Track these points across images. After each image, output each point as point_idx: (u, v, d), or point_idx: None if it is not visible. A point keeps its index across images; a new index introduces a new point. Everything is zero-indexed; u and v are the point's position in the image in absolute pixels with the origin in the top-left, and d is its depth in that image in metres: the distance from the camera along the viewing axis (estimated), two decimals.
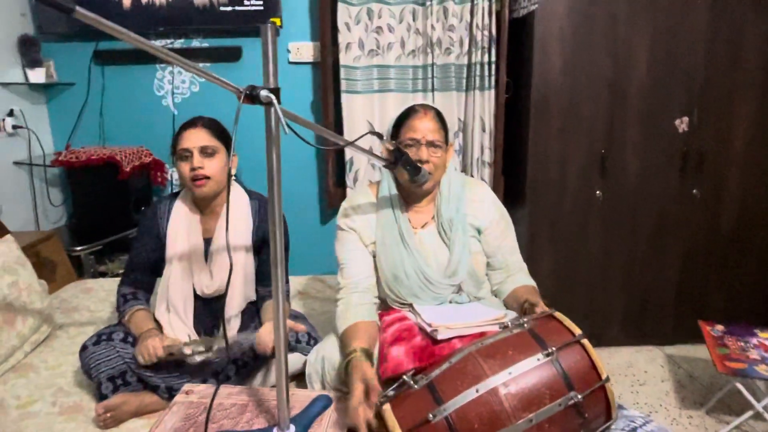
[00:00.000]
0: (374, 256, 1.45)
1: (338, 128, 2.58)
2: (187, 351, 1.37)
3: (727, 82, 2.33)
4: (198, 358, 1.37)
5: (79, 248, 2.37)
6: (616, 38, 2.29)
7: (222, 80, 0.92)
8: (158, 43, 2.61)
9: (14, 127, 2.45)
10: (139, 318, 1.46)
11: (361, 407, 1.06)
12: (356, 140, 1.11)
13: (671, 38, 2.28)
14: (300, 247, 2.65)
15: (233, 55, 2.61)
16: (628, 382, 2.32)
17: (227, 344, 1.17)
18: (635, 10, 2.26)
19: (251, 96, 0.93)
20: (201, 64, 2.64)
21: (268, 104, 0.92)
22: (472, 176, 2.60)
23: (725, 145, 2.39)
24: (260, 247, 1.55)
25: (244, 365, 1.44)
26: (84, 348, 1.43)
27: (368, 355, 1.22)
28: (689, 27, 2.27)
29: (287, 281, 1.62)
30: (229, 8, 2.49)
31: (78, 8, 0.75)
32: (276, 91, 0.93)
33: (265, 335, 1.33)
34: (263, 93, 0.92)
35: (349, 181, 2.62)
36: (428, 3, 2.44)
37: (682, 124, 2.37)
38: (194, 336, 1.51)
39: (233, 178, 1.62)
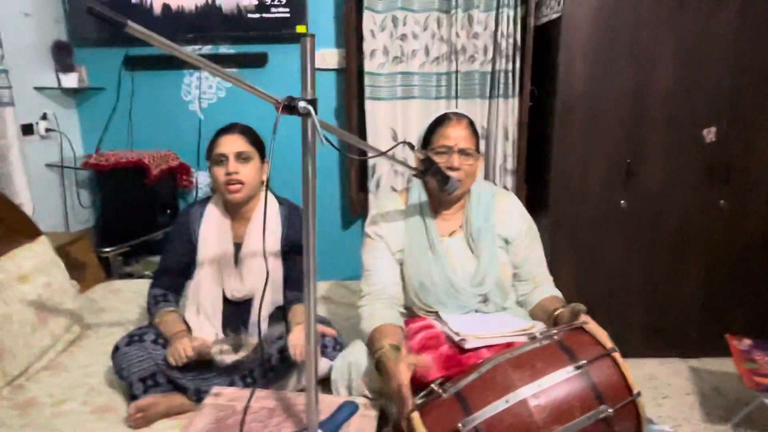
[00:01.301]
0: (401, 264, 1.46)
1: (362, 134, 2.60)
2: (216, 350, 1.39)
3: (757, 92, 2.29)
4: (227, 359, 1.39)
5: (107, 249, 2.42)
6: (641, 46, 2.27)
7: (261, 91, 0.95)
8: (186, 49, 2.64)
9: (47, 130, 2.52)
10: (170, 320, 1.50)
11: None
12: (389, 150, 1.12)
13: (697, 46, 2.26)
14: (322, 253, 2.66)
15: (259, 61, 2.65)
16: (651, 395, 2.29)
17: (261, 346, 1.19)
18: (660, 18, 2.24)
19: (289, 107, 0.95)
20: (228, 71, 2.70)
21: (306, 115, 0.94)
22: (494, 183, 2.60)
23: (754, 157, 2.35)
24: (288, 252, 1.57)
25: (272, 369, 1.46)
26: (116, 349, 1.46)
27: (398, 350, 1.23)
28: (716, 35, 2.24)
29: None
30: (257, 15, 2.53)
31: (129, 23, 0.78)
32: (313, 102, 0.95)
33: (296, 339, 1.35)
34: (301, 104, 0.94)
35: (371, 186, 2.63)
36: (453, 11, 2.45)
37: (710, 134, 2.34)
38: (222, 337, 1.54)
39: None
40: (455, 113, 1.42)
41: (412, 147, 1.22)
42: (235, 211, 1.58)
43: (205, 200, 1.63)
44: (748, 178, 2.37)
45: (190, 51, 2.68)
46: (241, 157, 1.50)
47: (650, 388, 2.33)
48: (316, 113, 0.95)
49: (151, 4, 2.51)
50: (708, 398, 2.26)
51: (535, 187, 2.60)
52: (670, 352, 2.58)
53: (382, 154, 1.10)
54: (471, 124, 1.41)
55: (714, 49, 2.26)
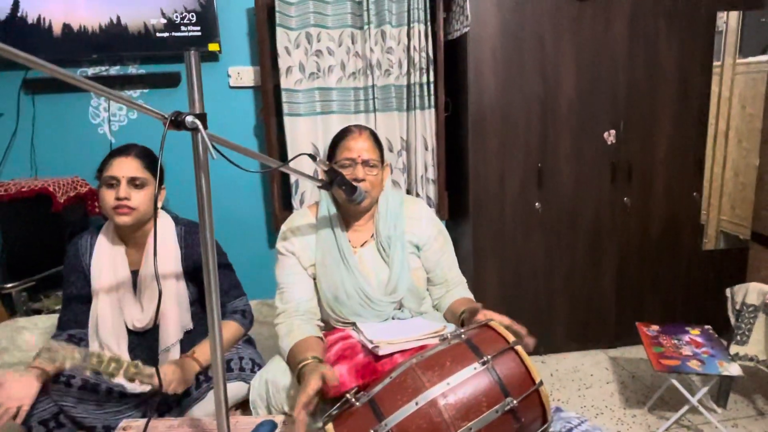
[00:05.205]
0: (314, 278, 1.46)
1: (282, 151, 2.58)
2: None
3: (647, 96, 2.50)
4: (137, 388, 1.31)
5: (9, 285, 2.25)
6: (544, 58, 2.41)
7: (146, 107, 0.92)
8: (92, 70, 2.55)
9: None
10: (37, 362, 1.37)
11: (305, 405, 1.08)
12: (288, 162, 1.12)
13: (594, 57, 2.44)
14: (247, 272, 2.61)
15: (172, 80, 2.57)
16: (575, 386, 2.39)
17: (160, 382, 1.14)
18: (560, 32, 2.40)
19: (177, 122, 0.93)
20: (138, 91, 2.62)
21: (194, 130, 0.93)
22: (417, 193, 2.66)
23: (650, 155, 2.55)
24: (195, 273, 1.52)
25: (187, 394, 1.40)
26: None
27: (321, 362, 1.22)
28: (610, 46, 2.43)
29: (243, 294, 1.60)
30: (166, 34, 2.47)
31: None
32: (202, 117, 0.94)
33: (168, 374, 1.29)
34: (189, 119, 0.92)
35: (295, 203, 2.61)
36: (366, 27, 2.50)
37: (610, 136, 2.51)
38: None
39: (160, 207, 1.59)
40: (357, 126, 1.44)
41: (313, 158, 1.23)
42: (129, 236, 1.51)
43: (96, 229, 1.55)
44: (647, 176, 2.57)
45: (95, 73, 2.58)
46: (134, 182, 1.43)
47: (574, 380, 2.44)
48: (205, 128, 0.94)
49: (50, 25, 2.39)
50: (626, 385, 2.39)
51: (456, 194, 2.68)
52: (591, 344, 2.71)
53: (282, 165, 1.09)
54: (373, 135, 1.44)
55: (609, 60, 2.44)
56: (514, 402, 1.04)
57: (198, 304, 1.53)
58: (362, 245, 1.47)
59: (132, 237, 1.50)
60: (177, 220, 1.57)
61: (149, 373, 1.28)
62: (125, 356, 1.45)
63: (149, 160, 1.48)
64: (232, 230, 2.67)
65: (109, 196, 1.42)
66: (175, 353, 1.48)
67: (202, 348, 1.43)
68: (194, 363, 1.39)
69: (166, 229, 1.52)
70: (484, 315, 1.22)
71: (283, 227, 1.51)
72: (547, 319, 2.65)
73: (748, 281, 2.13)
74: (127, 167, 1.43)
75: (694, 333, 2.16)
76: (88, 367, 1.24)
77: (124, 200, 1.41)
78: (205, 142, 0.94)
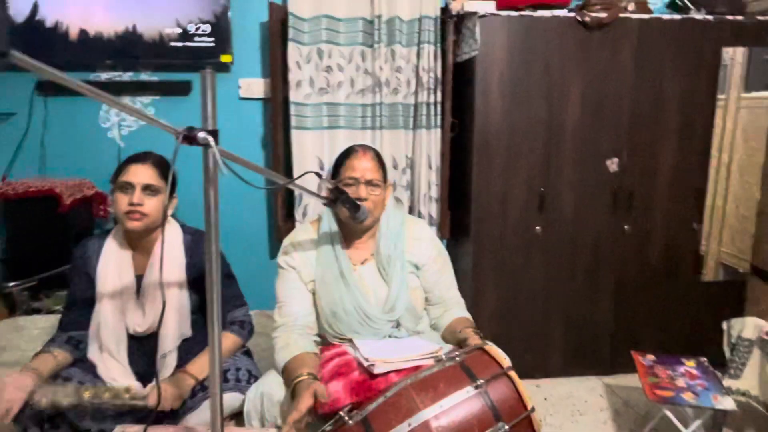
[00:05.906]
0: (314, 293, 1.47)
1: (288, 163, 2.61)
2: (55, 399, 1.29)
3: (651, 125, 2.53)
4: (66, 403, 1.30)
5: (11, 284, 2.27)
6: (551, 84, 2.45)
7: (159, 121, 0.95)
8: (106, 75, 2.59)
9: None
10: (33, 363, 1.41)
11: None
12: (296, 179, 1.14)
13: (600, 84, 2.47)
14: (248, 282, 2.63)
15: (183, 89, 2.61)
16: (569, 412, 2.38)
17: (159, 389, 1.16)
18: (567, 60, 2.43)
19: (189, 137, 0.95)
20: (150, 98, 2.66)
21: (206, 146, 0.95)
22: (419, 211, 2.68)
23: (651, 184, 2.57)
24: (198, 281, 1.54)
25: (182, 403, 1.41)
26: None
27: (316, 379, 1.23)
28: (615, 74, 2.47)
29: (244, 304, 1.62)
30: (180, 44, 2.52)
31: (13, 52, 0.76)
32: (214, 133, 0.96)
33: (163, 393, 1.29)
34: (201, 135, 0.95)
35: (298, 215, 2.64)
36: (376, 45, 2.54)
37: (612, 164, 2.53)
38: (131, 376, 1.48)
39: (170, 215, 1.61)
40: (362, 145, 1.47)
41: (319, 176, 1.26)
42: (137, 242, 1.54)
43: (105, 233, 1.58)
44: (648, 205, 2.58)
45: (110, 77, 2.62)
46: (148, 189, 1.47)
47: (568, 406, 2.43)
48: (216, 144, 0.96)
49: (68, 30, 2.43)
50: (620, 413, 2.39)
51: (458, 214, 2.70)
52: (587, 370, 2.71)
53: (289, 182, 1.12)
54: (377, 155, 1.47)
55: (614, 88, 2.48)
56: (506, 427, 1.05)
57: (199, 312, 1.55)
58: (362, 263, 1.49)
59: (140, 242, 1.53)
60: (185, 228, 1.60)
61: (143, 395, 1.30)
62: (124, 360, 1.47)
63: (165, 168, 1.51)
64: (234, 240, 2.69)
65: (122, 201, 1.45)
66: (172, 359, 1.49)
67: (197, 363, 1.45)
68: (189, 378, 1.40)
69: (173, 237, 1.55)
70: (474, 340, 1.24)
71: (285, 241, 1.53)
72: (543, 343, 2.65)
73: (747, 315, 2.13)
74: (142, 174, 1.46)
75: (690, 364, 2.16)
76: (82, 401, 1.28)
77: (138, 206, 1.44)
78: (215, 158, 0.96)
